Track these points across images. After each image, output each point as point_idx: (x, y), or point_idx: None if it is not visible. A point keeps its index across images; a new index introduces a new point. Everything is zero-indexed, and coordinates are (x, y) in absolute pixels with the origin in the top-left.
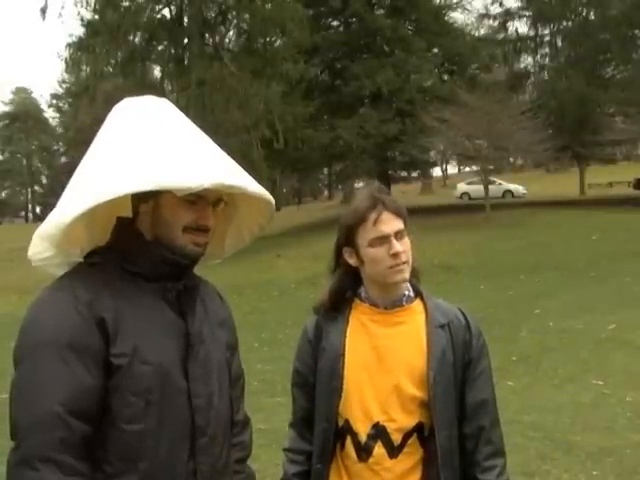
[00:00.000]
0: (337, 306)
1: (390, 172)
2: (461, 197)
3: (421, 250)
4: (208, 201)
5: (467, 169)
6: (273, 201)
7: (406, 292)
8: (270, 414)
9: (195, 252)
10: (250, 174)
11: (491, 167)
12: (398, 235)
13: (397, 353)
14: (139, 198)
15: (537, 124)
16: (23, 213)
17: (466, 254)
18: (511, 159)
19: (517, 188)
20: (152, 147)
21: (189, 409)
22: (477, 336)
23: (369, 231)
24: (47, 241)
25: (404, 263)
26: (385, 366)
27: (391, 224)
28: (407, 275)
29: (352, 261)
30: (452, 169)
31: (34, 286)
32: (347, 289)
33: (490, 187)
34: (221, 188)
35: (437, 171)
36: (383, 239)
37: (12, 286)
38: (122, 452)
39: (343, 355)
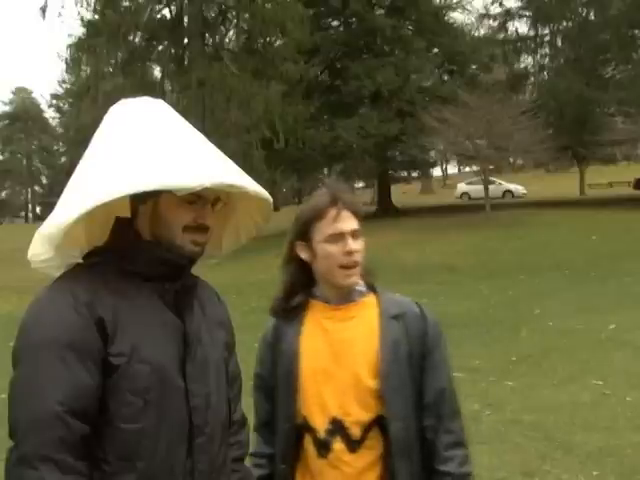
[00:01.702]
0: (293, 304)
1: (390, 172)
2: (461, 197)
3: (421, 250)
4: (207, 200)
5: (467, 169)
6: (271, 200)
7: (357, 288)
8: None
9: (194, 252)
10: (250, 174)
11: (491, 167)
12: (354, 234)
13: (352, 346)
14: (138, 198)
15: (537, 124)
16: (23, 213)
17: (466, 254)
18: (511, 159)
19: (517, 188)
20: (151, 147)
21: (187, 409)
22: (433, 326)
23: (326, 227)
24: (47, 242)
25: (355, 267)
26: (341, 360)
27: (348, 222)
28: (356, 279)
29: (304, 255)
30: (452, 169)
31: (34, 286)
32: (300, 285)
33: (490, 187)
34: (221, 187)
35: (437, 171)
36: (339, 236)
37: (12, 286)
38: (120, 451)
39: (298, 355)
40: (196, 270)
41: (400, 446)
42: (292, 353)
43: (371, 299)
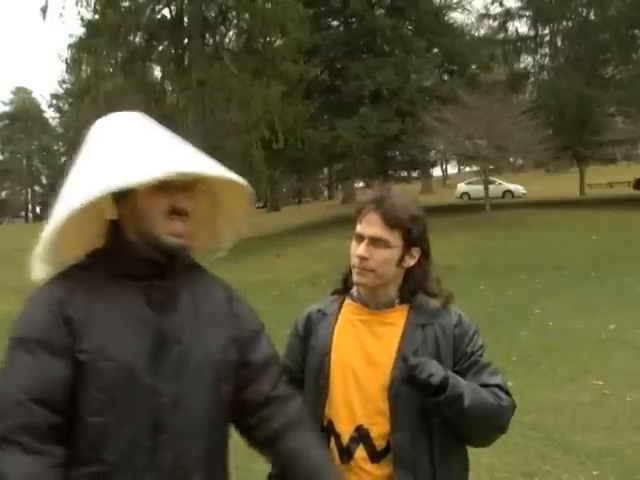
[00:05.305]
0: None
1: (390, 172)
2: (461, 197)
3: None
4: (179, 187)
5: (467, 169)
6: (243, 181)
7: (392, 296)
8: None
9: (175, 243)
10: (250, 174)
11: (491, 167)
12: (376, 242)
13: (384, 354)
14: (118, 201)
15: (537, 124)
16: (23, 213)
17: (466, 254)
18: (511, 159)
19: (517, 188)
20: (109, 154)
21: (153, 406)
22: (467, 332)
23: (357, 225)
24: (45, 263)
25: (366, 270)
26: (372, 368)
27: (372, 228)
28: (368, 281)
29: None
30: (452, 169)
31: (33, 286)
32: (347, 275)
33: (490, 187)
34: (176, 176)
35: (437, 171)
36: (358, 237)
37: (12, 286)
38: (88, 443)
39: (329, 354)
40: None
41: (402, 459)
42: (323, 351)
43: (404, 308)
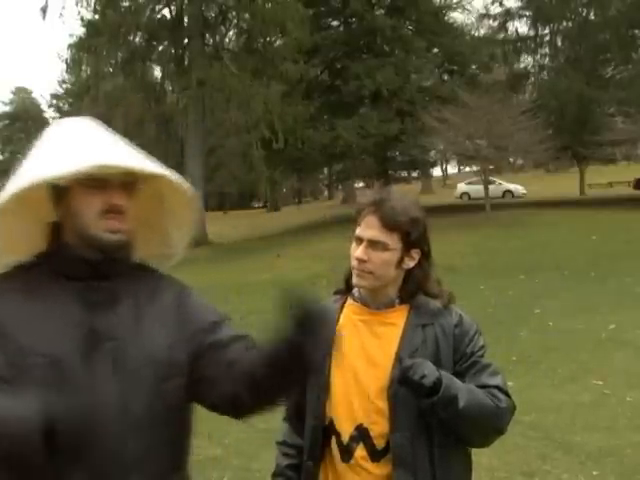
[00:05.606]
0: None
1: (390, 172)
2: (461, 197)
3: None
4: (115, 185)
5: (467, 169)
6: (183, 180)
7: (392, 297)
8: (270, 413)
9: (110, 240)
10: (250, 174)
11: (491, 167)
12: (374, 244)
13: (384, 354)
14: (55, 202)
15: (537, 124)
16: None
17: (466, 254)
18: (511, 159)
19: (517, 188)
20: (39, 155)
21: (83, 404)
22: (467, 332)
23: (357, 227)
24: None
25: (364, 272)
26: (372, 367)
27: (371, 230)
28: (367, 283)
29: None
30: (452, 169)
31: None
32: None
33: (490, 187)
34: (98, 171)
35: (437, 171)
36: (357, 239)
37: None
38: None
39: (330, 353)
40: (189, 270)
41: (402, 458)
42: None
43: (404, 308)
